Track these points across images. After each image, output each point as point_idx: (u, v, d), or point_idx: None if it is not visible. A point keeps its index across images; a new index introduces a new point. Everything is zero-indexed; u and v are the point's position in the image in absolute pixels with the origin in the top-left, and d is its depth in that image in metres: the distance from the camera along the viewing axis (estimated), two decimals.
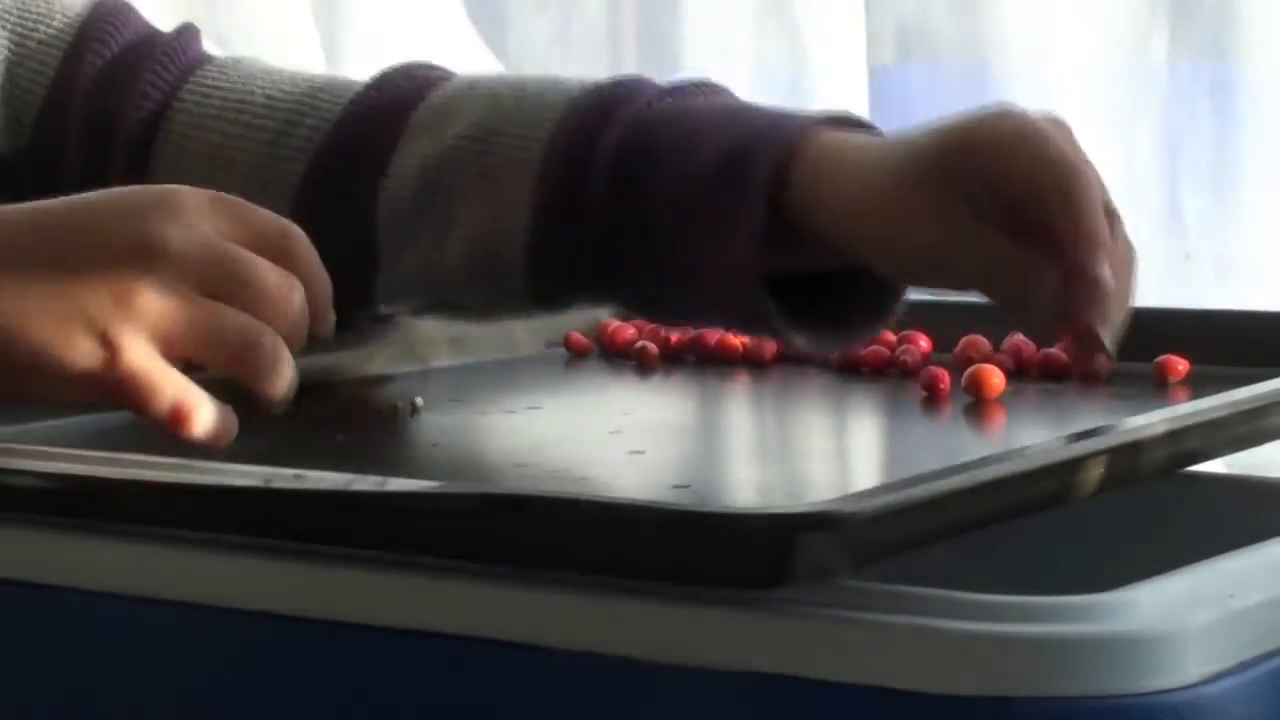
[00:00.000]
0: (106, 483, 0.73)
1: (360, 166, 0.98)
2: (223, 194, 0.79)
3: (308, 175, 0.99)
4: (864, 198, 0.87)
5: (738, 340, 1.10)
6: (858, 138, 0.89)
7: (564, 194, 0.93)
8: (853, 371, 1.06)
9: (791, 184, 0.87)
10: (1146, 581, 0.62)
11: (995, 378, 0.97)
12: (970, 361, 1.01)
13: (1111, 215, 0.84)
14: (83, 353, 0.76)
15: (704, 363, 1.11)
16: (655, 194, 0.91)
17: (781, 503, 0.73)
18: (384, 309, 1.02)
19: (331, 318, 0.80)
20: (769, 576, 0.60)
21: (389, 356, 1.08)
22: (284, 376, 0.76)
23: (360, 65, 1.89)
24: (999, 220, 0.84)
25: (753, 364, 1.10)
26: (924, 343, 1.08)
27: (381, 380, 1.07)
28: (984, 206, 0.84)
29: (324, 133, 0.99)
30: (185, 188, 0.79)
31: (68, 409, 0.91)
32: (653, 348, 1.12)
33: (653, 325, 1.13)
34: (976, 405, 0.97)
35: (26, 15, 1.05)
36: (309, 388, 0.95)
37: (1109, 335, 0.83)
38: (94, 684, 0.72)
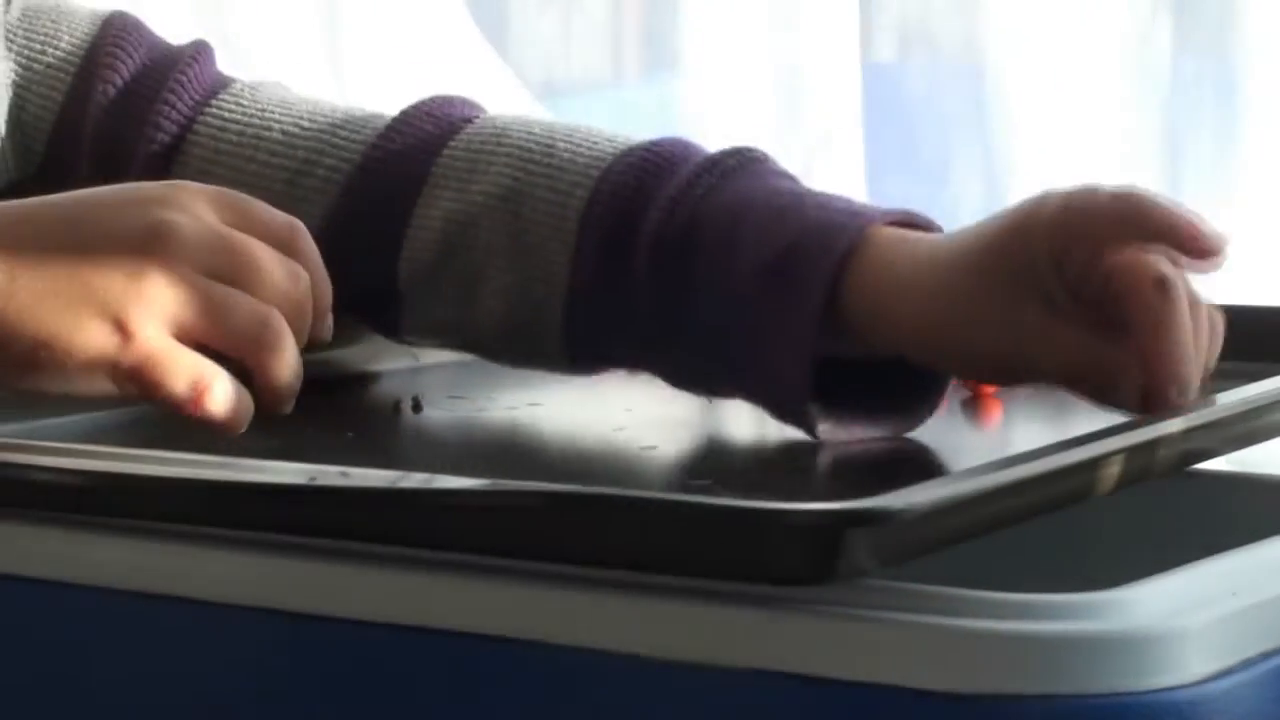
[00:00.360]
0: (146, 480, 0.72)
1: (383, 215, 0.97)
2: (227, 189, 0.79)
3: (328, 219, 0.97)
4: (928, 309, 0.84)
5: None
6: (916, 237, 0.86)
7: (601, 271, 0.92)
8: None
9: (848, 285, 0.85)
10: (1148, 579, 0.61)
11: None
12: None
13: (1195, 302, 0.81)
14: (95, 337, 0.75)
15: None
16: (698, 285, 0.89)
17: (807, 499, 0.72)
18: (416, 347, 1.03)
19: (330, 321, 0.79)
20: (816, 573, 0.60)
21: (380, 352, 1.08)
22: (290, 362, 0.76)
23: (363, 64, 1.89)
24: (1070, 303, 0.82)
25: None
26: None
27: (374, 376, 1.06)
28: (1054, 292, 0.82)
29: (345, 174, 0.97)
30: (191, 182, 0.79)
31: (78, 406, 0.90)
32: None
33: None
34: (974, 400, 0.97)
35: (34, 37, 1.03)
36: (315, 382, 0.95)
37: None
38: (126, 685, 0.71)
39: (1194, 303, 0.81)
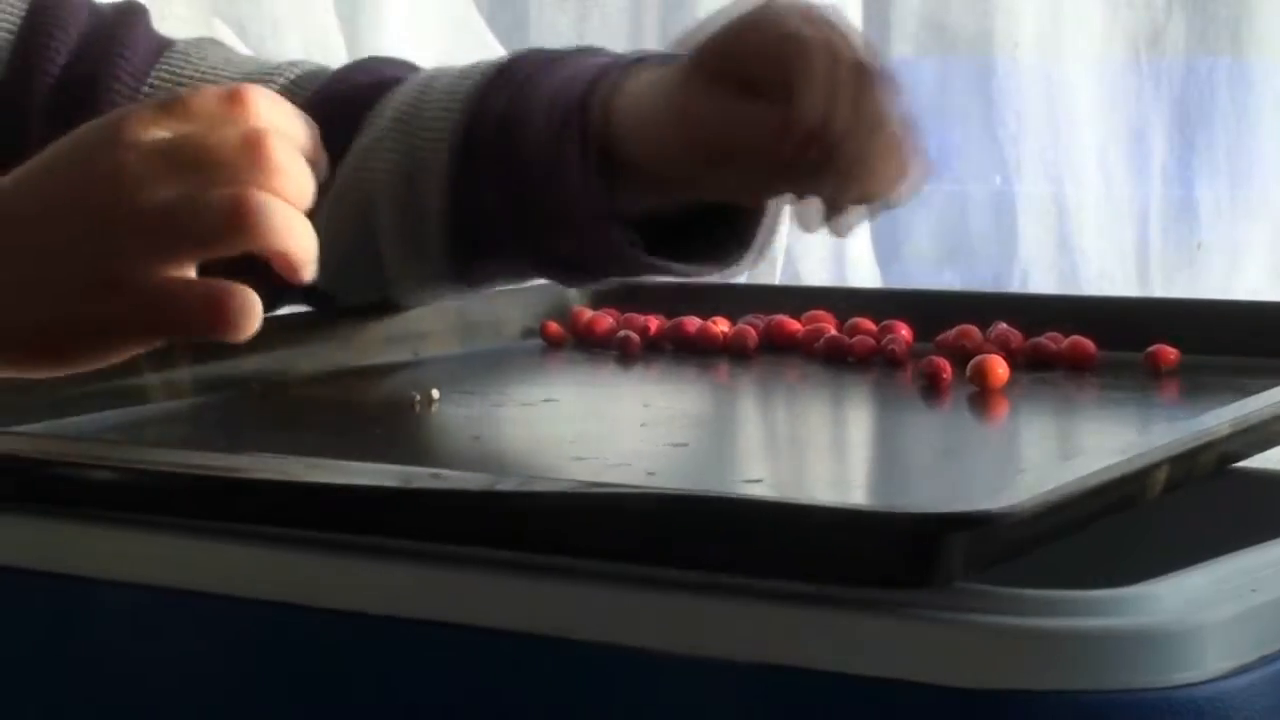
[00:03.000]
0: (234, 482, 0.69)
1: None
2: (164, 96, 0.79)
3: None
4: (657, 106, 0.96)
5: (719, 330, 1.11)
6: (649, 71, 0.98)
7: (468, 161, 1.00)
8: (838, 361, 1.06)
9: (612, 118, 0.96)
10: (1168, 575, 0.60)
11: (1000, 368, 0.97)
12: (963, 351, 1.01)
13: (863, 73, 0.91)
14: (91, 308, 0.74)
15: (683, 352, 1.11)
16: (519, 150, 0.98)
17: (863, 497, 0.74)
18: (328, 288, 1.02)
19: (325, 158, 0.77)
20: (913, 577, 0.58)
21: (379, 347, 1.07)
22: (282, 227, 0.73)
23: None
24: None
25: (734, 354, 1.10)
26: (905, 332, 1.07)
27: (379, 371, 1.05)
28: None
29: None
30: (128, 107, 0.78)
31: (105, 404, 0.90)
32: (635, 337, 1.11)
33: (630, 314, 1.14)
34: (982, 395, 0.96)
35: None
36: (318, 379, 0.93)
37: (851, 194, 0.92)
38: (213, 685, 0.68)
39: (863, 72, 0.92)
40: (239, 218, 0.73)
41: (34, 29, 1.04)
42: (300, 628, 0.66)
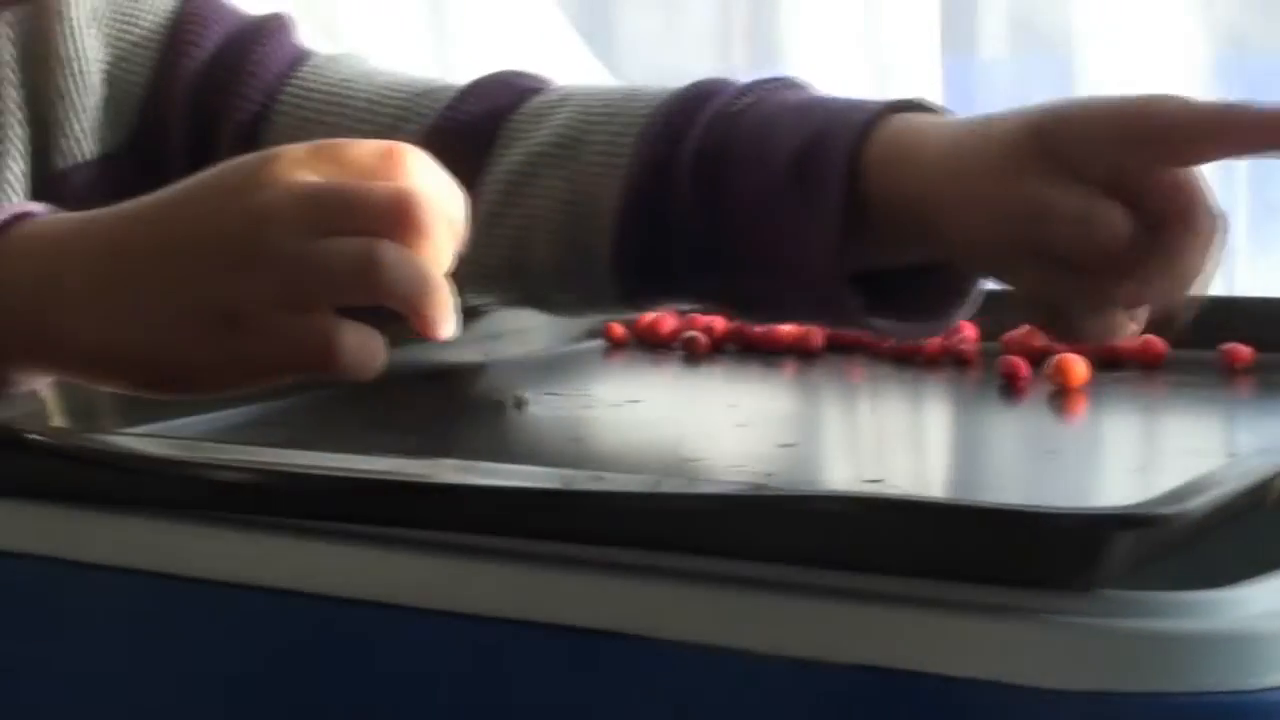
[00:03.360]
0: (389, 484, 0.68)
1: (454, 174, 0.97)
2: (320, 141, 0.78)
3: None
4: (942, 181, 0.83)
5: (784, 329, 1.11)
6: (930, 118, 0.87)
7: (649, 196, 0.92)
8: (905, 360, 1.06)
9: (867, 172, 0.85)
10: (1257, 578, 0.59)
11: (1080, 366, 0.97)
12: (1032, 349, 1.01)
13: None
14: (214, 345, 0.75)
15: (748, 352, 1.11)
16: (734, 192, 0.89)
17: (995, 497, 0.72)
18: (472, 301, 1.00)
19: (462, 214, 0.77)
20: (1083, 576, 0.58)
21: (452, 349, 1.07)
22: (412, 280, 0.73)
23: (465, 66, 1.90)
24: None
25: (800, 353, 1.10)
26: (971, 331, 1.07)
27: (455, 373, 1.05)
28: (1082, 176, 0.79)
29: (420, 138, 0.97)
30: (281, 148, 0.78)
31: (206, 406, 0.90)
32: (703, 338, 1.12)
33: (693, 314, 1.13)
34: (1061, 394, 0.96)
35: (118, 16, 1.06)
36: (397, 381, 0.93)
37: (1183, 309, 0.79)
38: (368, 690, 0.67)
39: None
40: (368, 269, 0.73)
41: (170, 48, 1.06)
42: (455, 634, 0.65)
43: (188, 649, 0.69)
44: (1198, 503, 0.59)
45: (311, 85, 1.04)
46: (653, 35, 1.87)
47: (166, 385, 0.78)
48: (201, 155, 1.00)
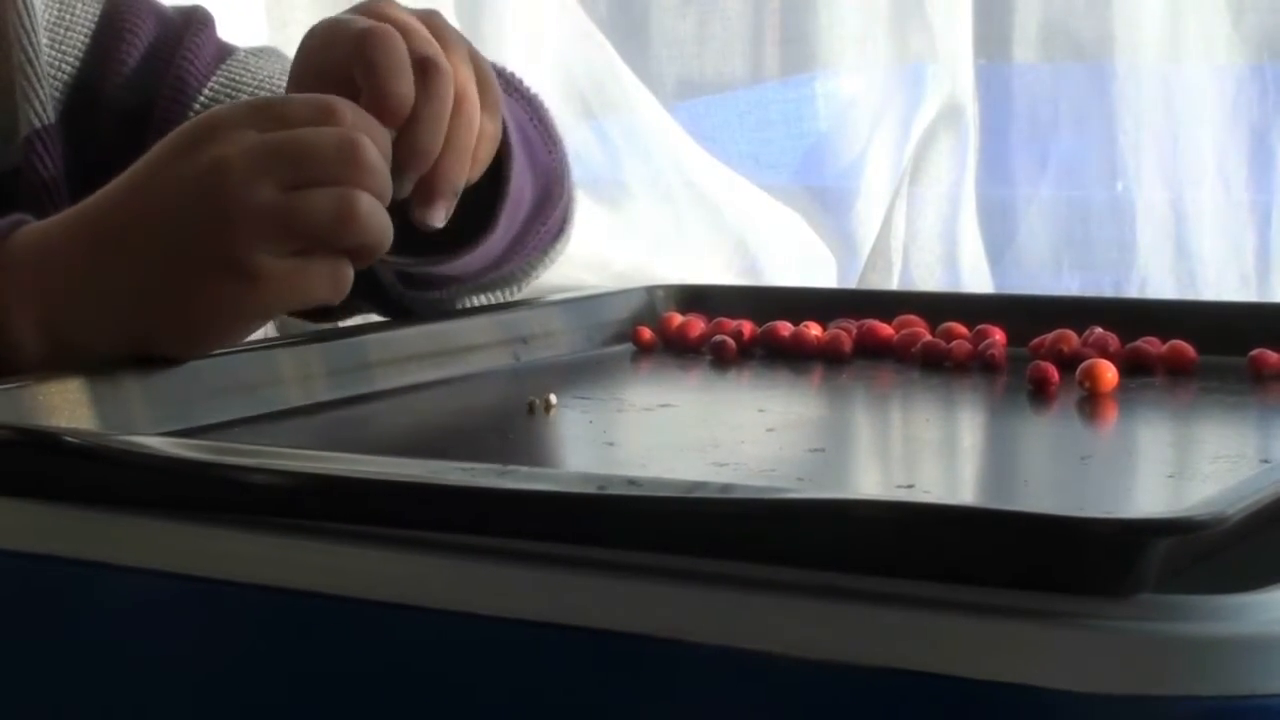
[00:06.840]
0: (422, 488, 0.68)
1: None
2: (255, 99, 0.89)
3: None
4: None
5: (813, 334, 1.11)
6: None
7: None
8: (934, 366, 1.07)
9: None
10: None
11: (1110, 371, 0.97)
12: (1061, 355, 1.03)
13: (433, 68, 0.90)
14: (229, 295, 0.84)
15: (775, 357, 1.11)
16: None
17: (1032, 504, 0.73)
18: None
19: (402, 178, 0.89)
20: (1122, 584, 0.58)
21: (482, 353, 1.08)
22: (384, 227, 0.85)
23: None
24: None
25: (828, 358, 1.10)
26: (1000, 336, 1.08)
27: (484, 376, 1.06)
28: None
29: None
30: (219, 108, 0.87)
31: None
32: (731, 342, 1.12)
33: (720, 319, 1.15)
34: (1092, 399, 0.95)
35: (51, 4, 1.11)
36: (427, 384, 0.98)
37: (437, 187, 0.91)
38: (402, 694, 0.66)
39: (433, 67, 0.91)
40: (350, 216, 0.84)
41: (108, 32, 1.10)
42: (487, 637, 0.64)
43: (208, 649, 0.70)
44: (1234, 510, 0.59)
45: (239, 79, 1.12)
46: (685, 39, 1.87)
47: (179, 340, 0.86)
48: (131, 142, 1.03)
